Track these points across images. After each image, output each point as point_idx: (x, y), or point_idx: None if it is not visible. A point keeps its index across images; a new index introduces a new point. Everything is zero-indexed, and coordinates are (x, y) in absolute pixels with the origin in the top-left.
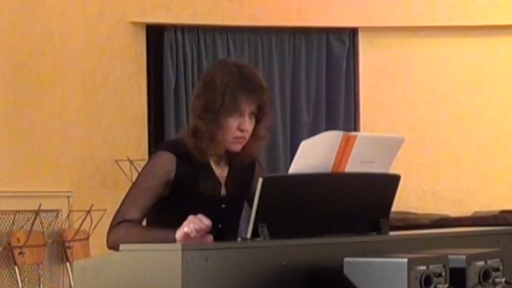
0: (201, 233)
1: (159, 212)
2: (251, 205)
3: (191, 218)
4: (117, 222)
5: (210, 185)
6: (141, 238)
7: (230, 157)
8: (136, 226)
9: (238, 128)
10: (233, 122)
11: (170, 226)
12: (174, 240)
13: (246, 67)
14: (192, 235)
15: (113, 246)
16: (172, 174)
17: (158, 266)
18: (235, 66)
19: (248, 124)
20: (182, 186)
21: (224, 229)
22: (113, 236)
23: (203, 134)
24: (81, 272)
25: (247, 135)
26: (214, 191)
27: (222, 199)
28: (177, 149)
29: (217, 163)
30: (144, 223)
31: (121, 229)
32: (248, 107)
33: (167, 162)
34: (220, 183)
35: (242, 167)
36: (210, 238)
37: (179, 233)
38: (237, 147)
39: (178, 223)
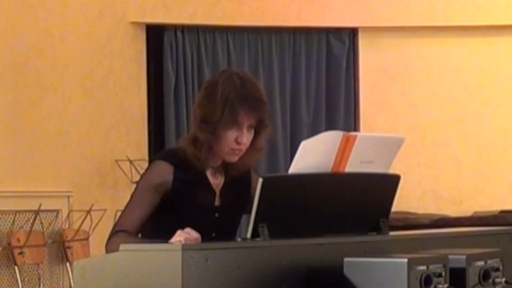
0: None
1: (155, 220)
2: None
3: (179, 232)
4: (115, 231)
5: (205, 194)
6: None
7: (226, 167)
8: (130, 236)
9: (236, 141)
10: (231, 135)
11: (166, 234)
12: None
13: (249, 80)
14: None
15: None
16: (169, 184)
17: (158, 266)
18: (239, 79)
19: (246, 137)
20: (178, 195)
21: (218, 238)
22: (111, 246)
23: (202, 144)
24: (81, 272)
25: (244, 147)
26: (208, 201)
27: (215, 209)
28: (174, 158)
29: (213, 173)
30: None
31: (117, 239)
32: (246, 121)
33: (165, 172)
34: (215, 193)
35: (238, 177)
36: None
37: None
38: (234, 158)
39: (173, 232)
